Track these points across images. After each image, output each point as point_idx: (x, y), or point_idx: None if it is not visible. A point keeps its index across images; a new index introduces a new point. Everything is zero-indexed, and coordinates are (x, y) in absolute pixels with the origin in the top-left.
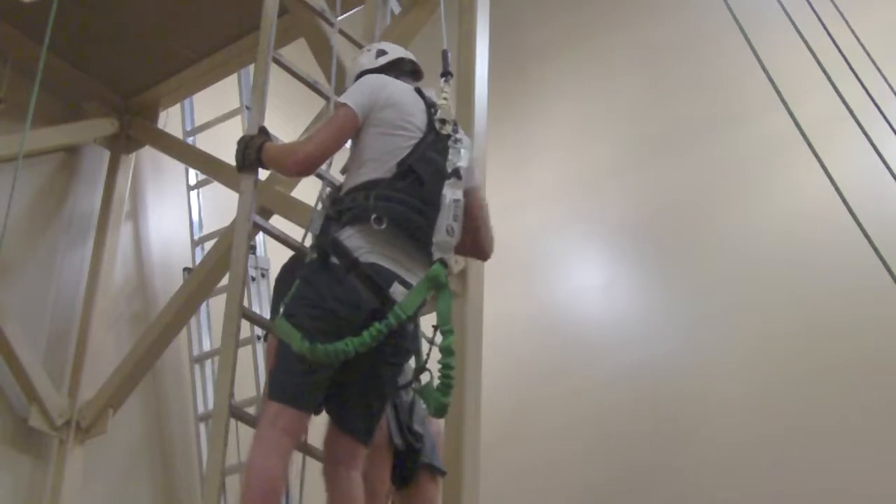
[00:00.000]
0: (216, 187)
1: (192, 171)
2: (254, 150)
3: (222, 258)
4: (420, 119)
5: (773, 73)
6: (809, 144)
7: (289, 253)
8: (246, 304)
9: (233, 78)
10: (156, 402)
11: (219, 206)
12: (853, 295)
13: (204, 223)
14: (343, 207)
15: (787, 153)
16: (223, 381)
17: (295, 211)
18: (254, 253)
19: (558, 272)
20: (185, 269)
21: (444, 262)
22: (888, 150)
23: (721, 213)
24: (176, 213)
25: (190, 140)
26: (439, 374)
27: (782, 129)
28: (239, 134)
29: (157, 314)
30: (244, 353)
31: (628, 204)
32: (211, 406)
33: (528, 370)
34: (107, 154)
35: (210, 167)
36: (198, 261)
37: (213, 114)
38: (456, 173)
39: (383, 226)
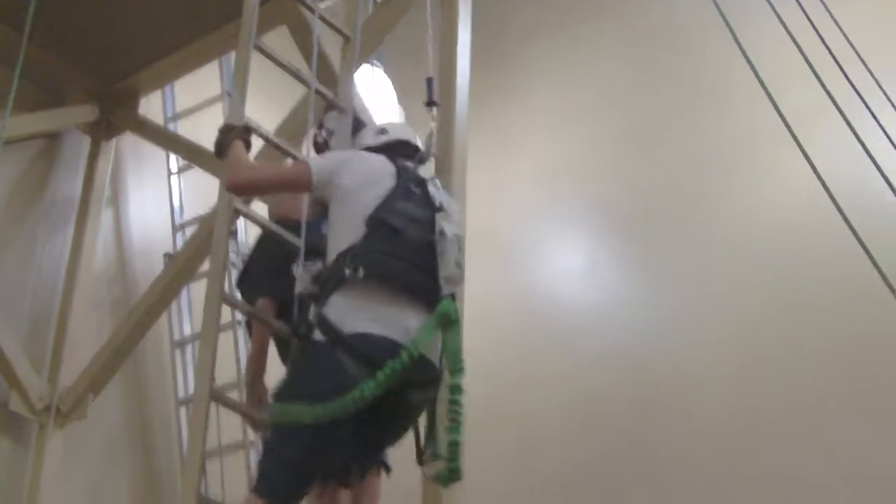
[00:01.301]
0: (197, 173)
1: (173, 157)
2: (226, 144)
3: (203, 244)
4: (388, 181)
5: (756, 62)
6: (792, 133)
7: None
8: (227, 289)
9: (214, 64)
10: (136, 387)
11: (200, 191)
12: (835, 281)
13: (185, 209)
14: (323, 281)
15: (770, 142)
16: (204, 366)
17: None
18: (235, 238)
19: (539, 256)
20: (166, 255)
21: (453, 297)
22: (871, 139)
23: (703, 200)
24: (157, 198)
25: (171, 126)
26: (448, 412)
27: (765, 118)
28: (220, 120)
29: (137, 299)
30: (225, 338)
31: (610, 189)
32: (192, 390)
33: (509, 352)
34: (87, 140)
35: (191, 153)
36: (179, 246)
37: (194, 100)
38: (442, 207)
39: (360, 274)
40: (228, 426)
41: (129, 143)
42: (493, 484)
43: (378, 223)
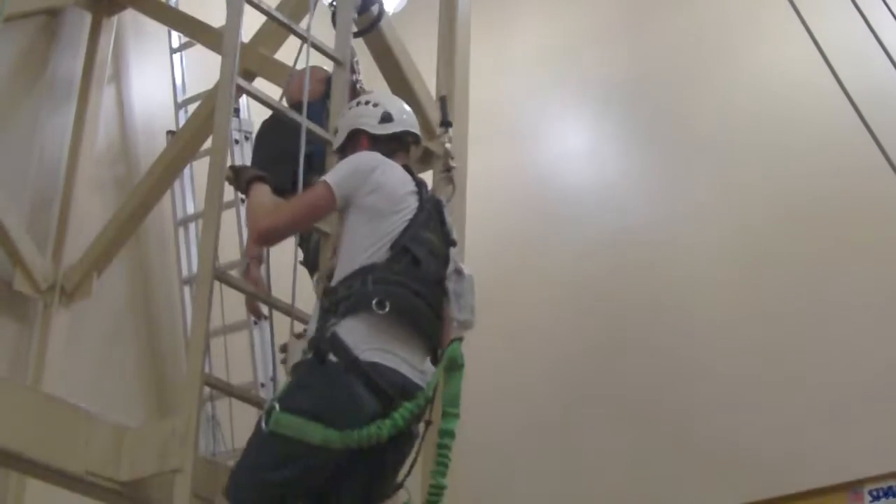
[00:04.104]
0: (199, 50)
1: (174, 34)
2: (243, 182)
3: (206, 121)
4: (411, 200)
5: None
6: (795, 8)
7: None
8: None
9: None
10: (140, 266)
11: (202, 68)
12: (835, 159)
13: (187, 86)
14: (339, 297)
15: (772, 18)
16: (207, 244)
17: (279, 73)
18: (237, 116)
19: (540, 138)
20: (169, 132)
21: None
22: (874, 14)
23: (705, 79)
24: (159, 76)
25: (172, 2)
26: (436, 455)
27: None
28: None
29: (140, 178)
30: (228, 216)
31: (611, 70)
32: (195, 269)
33: (510, 232)
34: (88, 17)
35: (193, 29)
36: (181, 124)
37: None
38: (455, 240)
39: (386, 310)
40: (232, 305)
41: (131, 19)
42: (496, 366)
43: (402, 250)
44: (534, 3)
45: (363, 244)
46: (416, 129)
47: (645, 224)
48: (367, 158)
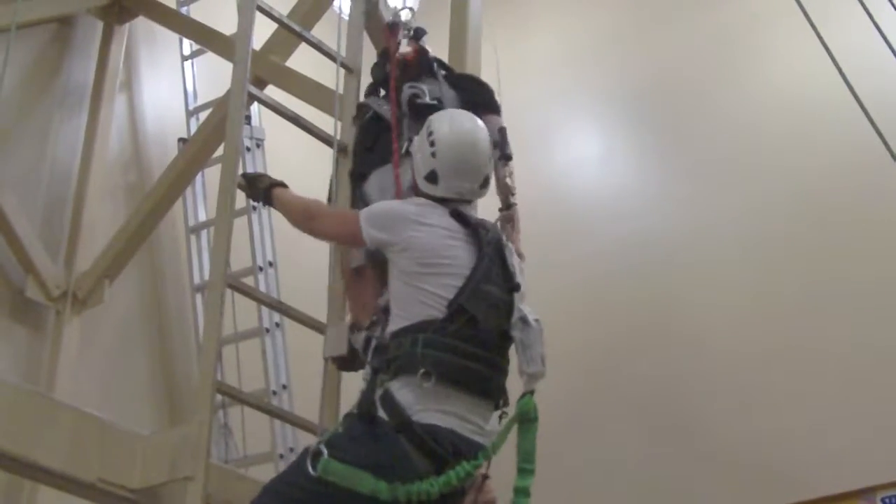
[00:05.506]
0: (210, 57)
1: (185, 42)
2: (261, 191)
3: (217, 128)
4: (457, 251)
5: None
6: (806, 15)
7: (283, 123)
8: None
9: None
10: (152, 273)
11: (213, 76)
12: (847, 166)
13: (198, 93)
14: (389, 357)
15: (785, 24)
16: (219, 252)
17: (290, 81)
18: (249, 123)
19: (554, 142)
20: (181, 140)
21: (532, 393)
22: (885, 20)
23: (718, 84)
24: (170, 83)
25: (184, 10)
26: None
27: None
28: (232, 4)
29: (152, 185)
30: (239, 224)
31: (625, 74)
32: (206, 276)
33: (524, 240)
34: (100, 25)
35: (204, 37)
36: (193, 131)
37: None
38: (519, 284)
39: (431, 382)
40: (244, 312)
41: (142, 27)
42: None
43: (460, 310)
44: (548, 9)
45: (411, 299)
46: (465, 194)
47: (658, 230)
48: (401, 213)
